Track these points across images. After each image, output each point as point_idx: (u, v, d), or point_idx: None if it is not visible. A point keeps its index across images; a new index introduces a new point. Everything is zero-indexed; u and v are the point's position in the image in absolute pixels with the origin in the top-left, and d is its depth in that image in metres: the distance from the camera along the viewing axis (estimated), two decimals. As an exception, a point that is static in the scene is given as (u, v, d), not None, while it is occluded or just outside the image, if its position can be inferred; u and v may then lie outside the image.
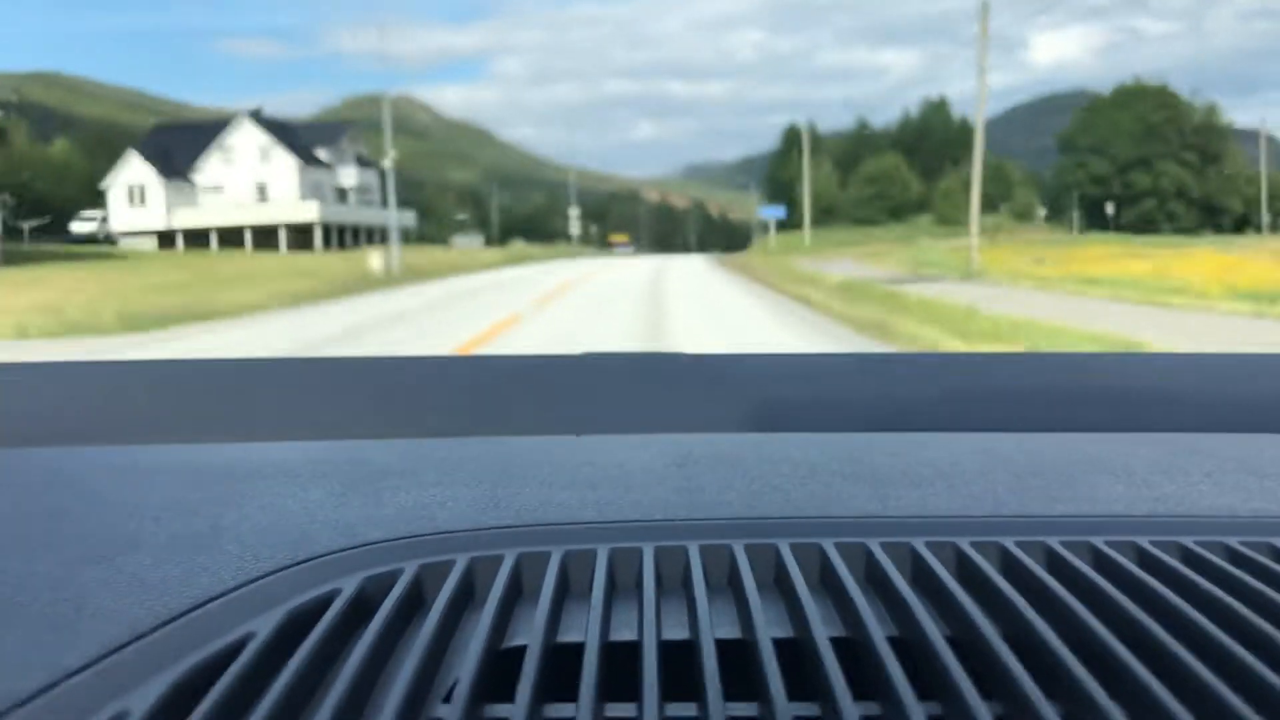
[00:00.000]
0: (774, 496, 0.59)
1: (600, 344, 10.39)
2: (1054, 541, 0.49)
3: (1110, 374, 1.01)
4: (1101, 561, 0.47)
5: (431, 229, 73.27)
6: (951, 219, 59.04)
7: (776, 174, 71.11)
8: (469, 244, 71.49)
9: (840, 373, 1.02)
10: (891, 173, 63.95)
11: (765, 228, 70.58)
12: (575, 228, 59.14)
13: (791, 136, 71.96)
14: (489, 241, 77.08)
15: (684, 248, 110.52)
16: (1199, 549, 0.48)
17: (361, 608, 0.43)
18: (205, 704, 0.34)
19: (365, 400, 0.92)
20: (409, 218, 57.77)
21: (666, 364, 1.04)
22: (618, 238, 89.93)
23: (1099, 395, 0.92)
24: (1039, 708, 0.33)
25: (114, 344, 10.48)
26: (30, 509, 0.59)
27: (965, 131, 70.15)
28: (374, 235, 52.29)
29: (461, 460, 0.68)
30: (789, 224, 65.01)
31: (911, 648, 0.39)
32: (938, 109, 71.11)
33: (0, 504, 0.61)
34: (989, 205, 63.18)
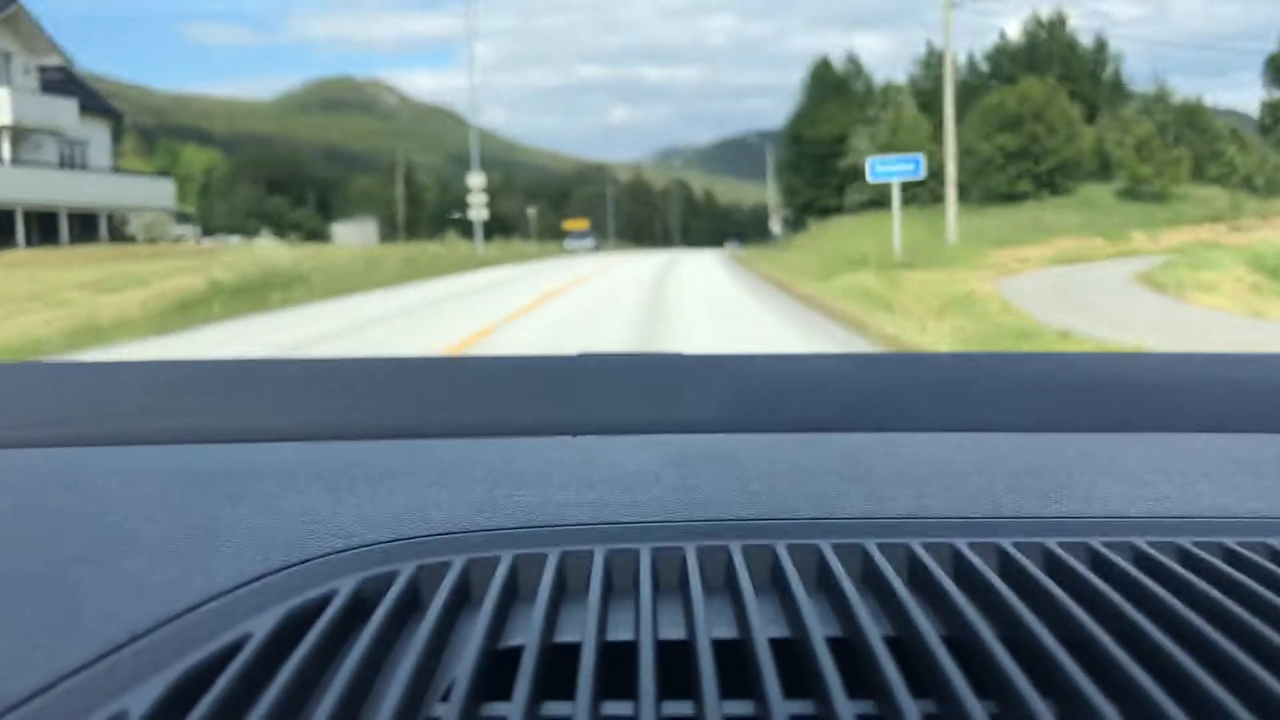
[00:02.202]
0: (771, 497, 0.58)
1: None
2: (1051, 542, 0.49)
3: (1107, 373, 1.00)
4: (1098, 562, 0.47)
5: (329, 216, 54.15)
6: (1153, 190, 34.42)
7: (805, 132, 46.38)
8: (357, 236, 48.53)
9: (837, 373, 1.02)
10: (1042, 108, 35.30)
11: (791, 215, 46.49)
12: (478, 210, 33.82)
13: (822, 76, 47.41)
14: (390, 235, 54.22)
15: (664, 238, 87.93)
16: (1196, 550, 0.48)
17: (359, 608, 0.43)
18: (203, 705, 0.34)
19: (362, 401, 0.91)
20: (164, 191, 32.65)
21: (663, 364, 1.05)
22: (575, 224, 65.87)
23: (1096, 395, 0.90)
24: (1034, 708, 0.33)
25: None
26: (27, 509, 0.58)
27: (1103, 60, 46.04)
28: (55, 227, 27.41)
29: (458, 461, 0.68)
30: (807, 208, 40.68)
31: (907, 648, 0.39)
32: (1053, 30, 46.87)
33: None
34: (1193, 171, 39.21)
